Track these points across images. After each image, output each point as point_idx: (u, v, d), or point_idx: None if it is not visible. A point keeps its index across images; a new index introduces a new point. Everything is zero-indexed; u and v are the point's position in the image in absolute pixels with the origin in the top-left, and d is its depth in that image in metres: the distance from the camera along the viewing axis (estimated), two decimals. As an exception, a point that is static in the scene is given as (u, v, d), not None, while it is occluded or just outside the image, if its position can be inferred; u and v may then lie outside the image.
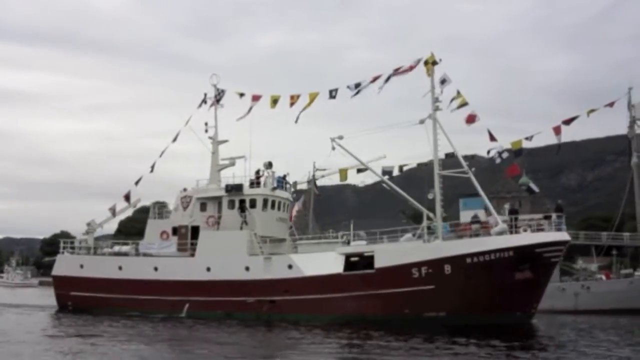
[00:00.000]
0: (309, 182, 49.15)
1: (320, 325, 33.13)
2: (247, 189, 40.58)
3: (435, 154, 39.01)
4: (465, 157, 39.84)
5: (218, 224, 40.59)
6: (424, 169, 45.45)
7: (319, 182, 48.87)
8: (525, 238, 34.35)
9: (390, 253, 35.55)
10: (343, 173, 42.54)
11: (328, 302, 35.95)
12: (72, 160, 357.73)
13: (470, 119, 39.14)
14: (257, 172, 42.96)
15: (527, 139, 38.96)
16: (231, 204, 40.70)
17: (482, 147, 39.29)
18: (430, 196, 38.91)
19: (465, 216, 38.43)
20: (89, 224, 45.03)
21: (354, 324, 33.56)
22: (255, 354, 24.09)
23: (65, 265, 43.92)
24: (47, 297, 50.95)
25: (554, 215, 35.75)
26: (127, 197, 44.63)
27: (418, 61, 39.59)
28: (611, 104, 44.69)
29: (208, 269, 38.95)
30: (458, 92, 39.11)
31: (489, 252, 34.06)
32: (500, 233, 34.69)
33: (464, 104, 39.00)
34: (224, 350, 24.14)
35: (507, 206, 39.52)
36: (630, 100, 54.58)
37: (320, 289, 36.12)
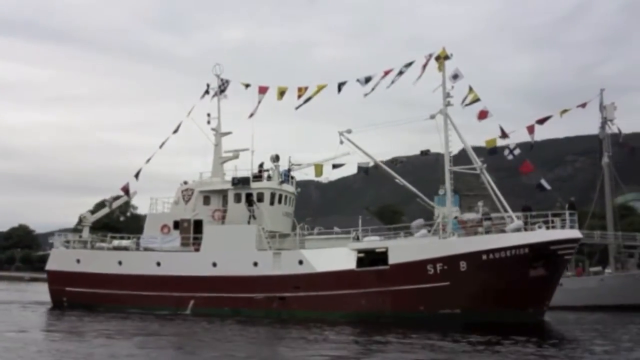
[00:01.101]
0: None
1: (333, 322, 32.37)
2: (254, 183, 39.47)
3: (446, 149, 38.62)
4: (422, 152, 39.94)
5: (224, 218, 39.40)
6: (399, 164, 45.64)
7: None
8: (541, 235, 34.11)
9: (404, 249, 34.95)
10: (318, 168, 41.85)
11: (340, 299, 35.21)
12: (30, 152, 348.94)
13: (483, 115, 38.88)
14: (261, 165, 41.99)
15: (501, 137, 38.85)
16: (237, 198, 39.59)
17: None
18: (441, 192, 38.57)
19: (439, 213, 38.29)
20: (82, 217, 43.36)
21: (367, 321, 32.97)
22: (269, 353, 23.12)
23: (60, 259, 42.21)
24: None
25: (567, 213, 35.61)
26: (125, 190, 43.05)
27: (430, 56, 39.10)
28: (583, 105, 45.16)
29: (214, 264, 37.81)
30: (470, 88, 38.79)
31: (505, 249, 33.74)
32: (516, 230, 34.40)
33: (476, 100, 38.69)
34: (234, 348, 23.36)
35: (480, 204, 39.93)
36: (602, 101, 55.36)
37: (333, 286, 35.35)
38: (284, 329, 30.39)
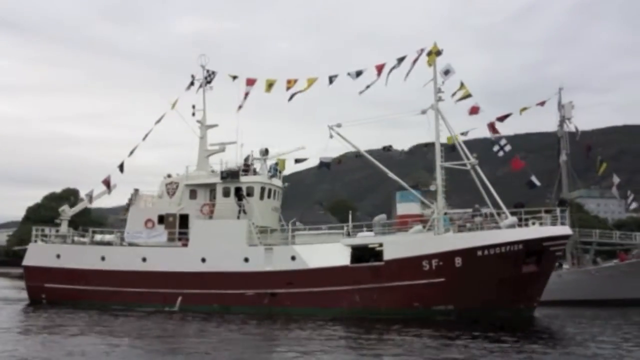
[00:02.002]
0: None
1: (326, 319, 31.94)
2: (243, 177, 38.58)
3: (437, 144, 38.48)
4: (384, 149, 40.05)
5: (212, 212, 38.40)
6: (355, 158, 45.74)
7: None
8: (535, 231, 34.30)
9: (400, 245, 34.67)
10: (282, 163, 41.47)
11: (334, 295, 34.74)
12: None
13: (474, 111, 38.91)
14: (247, 158, 41.14)
15: (462, 134, 38.95)
16: (226, 192, 38.66)
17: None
18: (432, 187, 38.43)
19: (402, 209, 38.66)
20: (61, 211, 41.70)
21: (361, 317, 32.61)
22: (262, 351, 22.69)
23: (38, 254, 40.48)
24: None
25: (557, 210, 35.92)
26: (107, 183, 41.55)
27: (421, 51, 38.90)
28: (542, 103, 45.86)
29: (203, 260, 36.84)
30: (462, 84, 38.74)
31: (499, 245, 33.80)
32: (511, 226, 34.51)
33: (467, 96, 38.69)
34: (227, 345, 23.00)
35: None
36: (561, 100, 56.39)
37: (326, 282, 34.84)
38: (278, 326, 29.82)
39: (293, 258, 35.71)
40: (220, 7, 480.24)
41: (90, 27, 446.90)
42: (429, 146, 39.87)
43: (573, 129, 55.81)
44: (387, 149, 41.44)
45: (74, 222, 43.87)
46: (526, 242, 33.86)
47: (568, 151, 57.38)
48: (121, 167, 41.72)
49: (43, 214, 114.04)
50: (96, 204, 42.90)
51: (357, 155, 40.57)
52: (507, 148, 38.15)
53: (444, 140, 38.66)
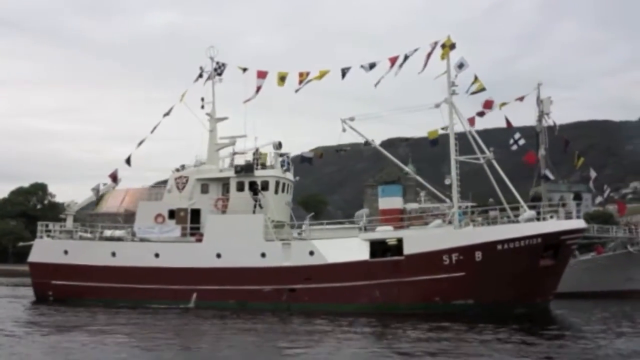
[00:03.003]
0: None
1: (346, 314, 31.69)
2: (258, 171, 38.00)
3: (451, 138, 38.42)
4: (365, 143, 40.13)
5: (226, 207, 37.75)
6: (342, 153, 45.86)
7: None
8: (553, 225, 34.47)
9: (420, 239, 34.51)
10: (264, 157, 40.94)
11: (354, 291, 34.47)
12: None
13: (488, 105, 38.94)
14: (255, 152, 40.54)
15: (443, 129, 38.93)
16: (240, 186, 38.02)
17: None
18: (447, 182, 38.36)
19: (384, 203, 38.82)
20: (67, 206, 40.61)
21: (382, 313, 32.44)
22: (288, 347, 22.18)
23: (45, 251, 39.36)
24: None
25: (572, 203, 36.19)
26: (113, 177, 40.58)
27: (435, 44, 38.72)
28: (521, 98, 46.06)
29: (218, 256, 36.20)
30: (476, 77, 38.64)
31: (519, 239, 33.87)
32: (529, 220, 34.63)
33: (481, 89, 38.64)
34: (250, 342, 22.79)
35: (422, 194, 40.60)
36: (539, 95, 56.92)
37: (346, 277, 34.54)
38: (297, 321, 29.48)
39: (311, 253, 35.31)
40: (189, 2, 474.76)
41: (61, 20, 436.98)
42: (408, 140, 40.15)
43: (552, 124, 56.60)
44: (367, 143, 41.49)
45: (40, 218, 42.81)
46: (545, 236, 34.00)
47: (547, 145, 58.19)
48: (128, 161, 40.83)
49: (9, 209, 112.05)
50: (62, 198, 42.02)
51: (366, 143, 40.60)
52: (521, 142, 38.23)
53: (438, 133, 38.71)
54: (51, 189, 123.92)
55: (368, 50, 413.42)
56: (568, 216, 35.44)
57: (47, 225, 40.61)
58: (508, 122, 39.04)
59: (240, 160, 39.49)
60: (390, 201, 38.56)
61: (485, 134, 40.06)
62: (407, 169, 39.41)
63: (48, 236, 39.93)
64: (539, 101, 56.86)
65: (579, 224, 35.47)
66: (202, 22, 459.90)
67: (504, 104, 41.23)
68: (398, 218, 36.98)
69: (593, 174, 52.10)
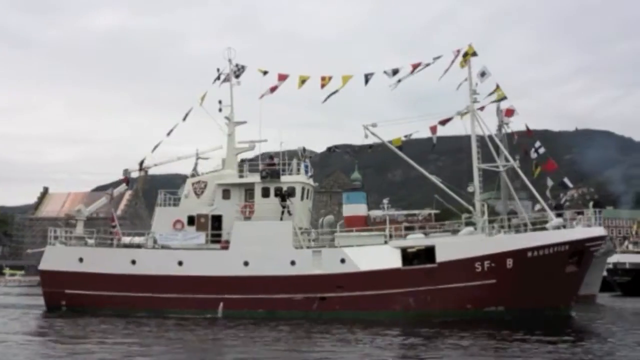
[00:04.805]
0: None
1: (380, 322, 31.38)
2: (284, 176, 37.30)
3: (473, 145, 38.83)
4: (328, 149, 40.64)
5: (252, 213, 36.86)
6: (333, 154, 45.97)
7: (151, 172, 46.40)
8: (580, 232, 35.17)
9: (452, 246, 34.58)
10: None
11: (386, 298, 34.25)
12: None
13: (509, 113, 39.45)
14: (271, 157, 39.92)
15: (405, 137, 39.59)
16: (265, 192, 37.22)
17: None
18: (470, 189, 38.64)
19: (348, 210, 39.13)
20: (77, 211, 38.84)
21: (417, 321, 32.31)
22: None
23: (57, 258, 37.47)
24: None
25: (592, 211, 36.85)
26: (126, 180, 39.13)
27: (458, 52, 39.00)
28: (481, 108, 46.97)
29: (246, 264, 35.31)
30: (497, 86, 39.14)
31: (548, 246, 34.42)
32: (557, 227, 35.21)
33: (502, 98, 39.19)
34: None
35: (385, 201, 41.37)
36: (500, 105, 58.28)
37: (379, 285, 34.26)
38: (330, 331, 28.87)
39: (343, 261, 34.89)
40: (142, 2, 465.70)
41: (4, 19, 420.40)
42: (372, 148, 40.80)
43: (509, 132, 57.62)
44: (332, 149, 41.65)
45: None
46: (572, 243, 34.66)
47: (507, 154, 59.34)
48: (141, 164, 39.43)
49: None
50: (1, 202, 40.43)
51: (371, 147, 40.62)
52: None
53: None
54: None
55: (310, 56, 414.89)
56: (587, 224, 36.32)
57: (55, 231, 38.67)
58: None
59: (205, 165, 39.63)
60: (354, 208, 38.96)
61: (428, 141, 40.61)
62: (431, 176, 39.14)
63: (60, 243, 38.01)
64: (499, 111, 58.28)
65: (601, 231, 36.40)
66: (149, 23, 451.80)
67: (464, 113, 41.67)
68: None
69: (550, 182, 53.51)
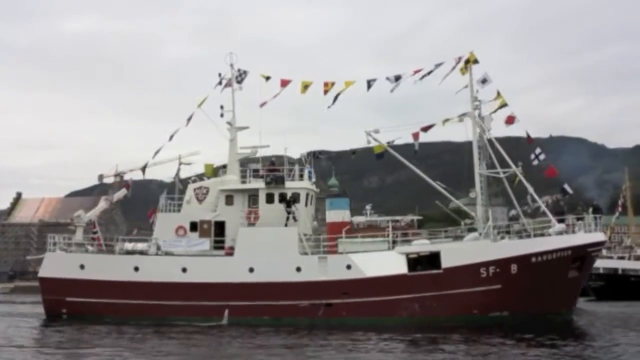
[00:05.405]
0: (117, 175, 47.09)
1: (388, 329, 31.43)
2: (289, 182, 37.18)
3: (475, 151, 39.22)
4: (315, 155, 41.02)
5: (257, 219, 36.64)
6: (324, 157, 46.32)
7: (126, 177, 46.44)
8: (581, 238, 35.62)
9: (458, 252, 34.78)
10: (209, 167, 41.08)
11: (393, 304, 34.31)
12: None
13: (510, 120, 39.78)
14: (272, 163, 39.80)
15: (388, 143, 39.82)
16: (270, 198, 37.04)
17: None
18: (472, 195, 38.96)
19: (331, 216, 39.59)
20: (77, 217, 38.23)
21: (423, 326, 32.41)
22: None
23: (58, 265, 36.81)
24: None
25: (591, 216, 37.28)
26: (127, 185, 38.75)
27: (459, 59, 39.34)
28: (463, 115, 47.54)
29: (251, 270, 35.09)
30: (498, 93, 39.52)
31: (552, 252, 34.80)
32: (560, 233, 35.62)
33: (504, 105, 39.52)
34: None
35: (368, 207, 41.84)
36: (481, 112, 59.05)
37: (385, 291, 34.31)
38: (339, 337, 28.87)
39: (349, 267, 34.86)
40: (114, 7, 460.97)
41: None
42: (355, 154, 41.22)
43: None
44: (317, 155, 41.95)
45: None
46: (574, 249, 35.10)
47: (488, 161, 60.18)
48: (143, 169, 39.07)
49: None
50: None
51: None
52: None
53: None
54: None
55: (285, 63, 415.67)
56: (588, 229, 36.81)
57: (53, 238, 38.00)
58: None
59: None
60: (338, 214, 39.14)
61: (407, 148, 41.16)
62: (435, 184, 39.31)
63: (61, 249, 37.37)
64: (480, 118, 58.96)
65: (602, 236, 37.00)
66: (121, 28, 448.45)
67: (446, 120, 42.05)
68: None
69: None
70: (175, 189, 43.13)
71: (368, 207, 43.28)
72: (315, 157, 42.26)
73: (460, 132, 40.80)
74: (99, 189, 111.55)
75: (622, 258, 73.26)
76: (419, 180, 40.41)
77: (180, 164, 42.16)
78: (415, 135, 39.79)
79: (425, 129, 40.06)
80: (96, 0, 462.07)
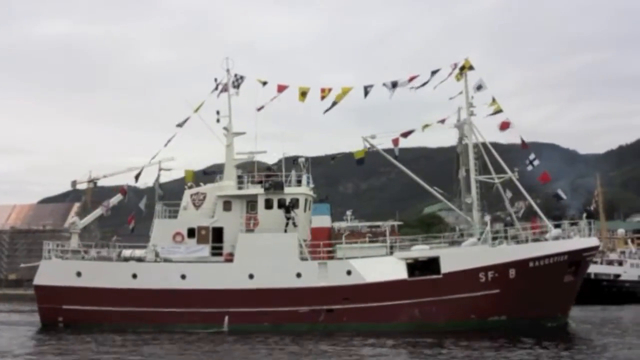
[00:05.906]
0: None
1: (388, 334, 31.74)
2: (288, 188, 37.11)
3: (471, 158, 39.52)
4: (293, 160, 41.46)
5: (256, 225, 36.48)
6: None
7: (100, 183, 46.36)
8: (577, 243, 36.16)
9: (457, 257, 35.04)
10: (189, 173, 41.06)
11: (393, 310, 34.44)
12: None
13: (505, 126, 40.18)
14: (269, 168, 39.72)
15: (368, 149, 40.31)
16: (269, 204, 36.91)
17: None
18: (468, 200, 39.30)
19: (313, 221, 39.80)
20: (72, 223, 37.73)
21: (423, 331, 32.63)
22: None
23: (54, 272, 36.26)
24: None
25: (584, 222, 37.81)
26: (123, 191, 38.36)
27: (455, 66, 39.72)
28: (442, 121, 48.46)
29: (251, 276, 34.95)
30: (493, 99, 39.94)
31: (549, 257, 35.27)
32: (556, 238, 36.10)
33: (498, 111, 39.95)
34: None
35: (349, 212, 42.43)
36: (460, 117, 59.73)
37: (386, 296, 34.43)
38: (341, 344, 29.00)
39: (349, 273, 34.91)
40: (89, 11, 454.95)
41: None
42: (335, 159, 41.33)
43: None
44: (294, 161, 42.29)
45: None
46: (570, 253, 35.60)
47: (468, 167, 60.74)
48: (137, 177, 38.79)
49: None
50: None
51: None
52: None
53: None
54: None
55: (266, 67, 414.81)
56: (582, 234, 37.38)
57: (48, 244, 37.43)
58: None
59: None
60: (319, 220, 39.27)
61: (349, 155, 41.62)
62: (430, 188, 39.66)
63: (56, 257, 36.81)
64: (459, 122, 59.41)
65: (596, 241, 37.58)
66: (95, 32, 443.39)
67: (426, 125, 42.40)
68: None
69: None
70: (156, 195, 42.85)
71: (349, 212, 43.41)
72: (293, 162, 42.16)
73: (435, 139, 41.28)
74: (72, 195, 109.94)
75: (594, 262, 74.53)
76: (393, 186, 40.86)
77: (160, 169, 41.80)
78: (395, 141, 40.13)
79: (405, 135, 40.40)
80: (70, 5, 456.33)
